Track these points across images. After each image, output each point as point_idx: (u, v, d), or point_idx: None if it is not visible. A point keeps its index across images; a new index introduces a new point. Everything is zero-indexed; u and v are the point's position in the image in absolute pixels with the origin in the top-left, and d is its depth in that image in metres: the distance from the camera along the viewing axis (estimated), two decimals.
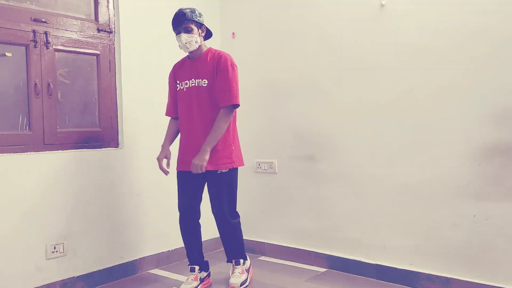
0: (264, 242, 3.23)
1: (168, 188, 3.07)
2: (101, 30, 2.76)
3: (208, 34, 2.59)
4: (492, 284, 2.25)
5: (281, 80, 3.12)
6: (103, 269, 2.68)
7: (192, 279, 2.56)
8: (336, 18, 2.81)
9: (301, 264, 2.99)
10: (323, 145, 2.90)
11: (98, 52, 2.74)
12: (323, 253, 2.92)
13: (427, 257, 2.47)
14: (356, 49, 2.73)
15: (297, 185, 3.05)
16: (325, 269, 2.88)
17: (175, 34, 2.48)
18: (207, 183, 2.56)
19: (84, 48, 2.67)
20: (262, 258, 3.18)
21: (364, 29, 2.69)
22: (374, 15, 2.64)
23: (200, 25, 2.47)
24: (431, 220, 2.45)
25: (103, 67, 2.77)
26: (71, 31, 2.61)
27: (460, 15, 2.33)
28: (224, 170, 2.48)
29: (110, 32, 2.80)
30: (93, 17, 2.74)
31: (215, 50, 2.53)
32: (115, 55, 2.82)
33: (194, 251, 2.62)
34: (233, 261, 2.65)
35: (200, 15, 2.49)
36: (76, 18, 2.64)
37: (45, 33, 2.48)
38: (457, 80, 2.35)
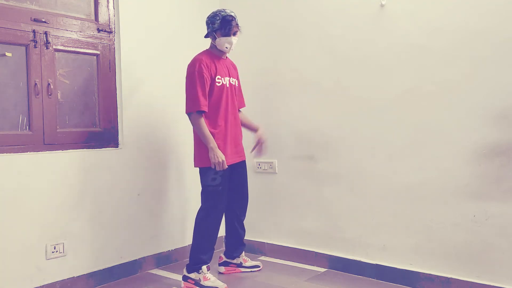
0: (264, 242, 3.23)
1: (168, 188, 3.07)
2: (101, 30, 2.76)
3: None
4: (492, 284, 2.25)
5: (281, 80, 3.12)
6: (103, 269, 2.68)
7: (213, 275, 2.62)
8: (336, 18, 2.81)
9: (301, 264, 2.99)
10: (323, 145, 2.90)
11: (98, 52, 2.74)
12: (323, 253, 2.91)
13: (427, 257, 2.48)
14: (356, 49, 2.73)
15: (297, 185, 3.05)
16: (325, 269, 2.88)
17: (222, 33, 2.57)
18: (235, 174, 2.72)
19: (84, 48, 2.67)
20: (262, 258, 3.18)
21: (364, 29, 2.69)
22: (374, 15, 2.64)
23: None
24: (431, 220, 2.45)
25: (103, 67, 2.77)
26: (71, 31, 2.60)
27: (460, 15, 2.33)
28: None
29: (110, 32, 2.80)
30: (93, 17, 2.74)
31: None
32: (115, 55, 2.82)
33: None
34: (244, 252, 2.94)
35: None
36: (76, 18, 2.64)
37: (45, 33, 2.48)
38: (457, 80, 2.35)
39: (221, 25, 2.55)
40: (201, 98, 2.48)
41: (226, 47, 2.60)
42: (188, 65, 2.59)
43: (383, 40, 2.61)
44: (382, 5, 2.61)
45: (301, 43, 3.00)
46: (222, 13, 2.57)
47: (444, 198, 2.41)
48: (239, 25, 2.61)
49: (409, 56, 2.51)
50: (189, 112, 2.52)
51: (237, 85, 2.75)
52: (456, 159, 2.36)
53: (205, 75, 2.51)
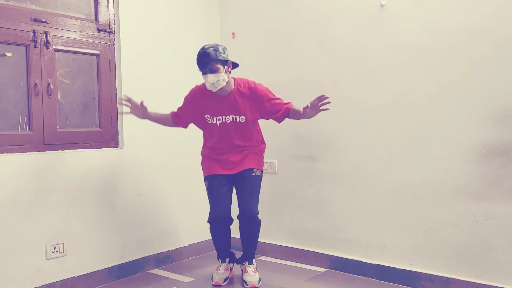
0: (264, 242, 3.23)
1: (168, 188, 3.07)
2: (101, 30, 2.76)
3: (234, 65, 2.56)
4: (492, 284, 2.25)
5: (281, 80, 3.12)
6: (103, 269, 2.68)
7: (224, 270, 2.70)
8: (336, 18, 2.81)
9: (301, 264, 2.99)
10: (323, 145, 2.90)
11: (98, 52, 2.74)
12: (323, 253, 2.92)
13: (427, 257, 2.48)
14: (356, 49, 2.73)
15: (297, 185, 3.05)
16: (325, 269, 2.88)
17: (201, 73, 2.44)
18: (239, 179, 2.61)
19: (84, 48, 2.67)
20: (262, 258, 3.18)
21: (364, 29, 2.69)
22: (374, 15, 2.64)
23: (225, 62, 2.42)
24: (431, 220, 2.45)
25: (103, 67, 2.77)
26: (71, 31, 2.60)
27: (460, 15, 2.33)
28: (258, 173, 2.64)
29: (110, 32, 2.80)
30: (93, 17, 2.74)
31: (241, 80, 2.56)
32: (115, 55, 2.82)
33: (226, 248, 2.75)
34: (247, 261, 2.70)
35: (224, 50, 2.43)
36: (76, 18, 2.64)
37: (45, 33, 2.48)
38: (457, 80, 2.35)
39: (196, 63, 2.42)
40: (178, 115, 2.66)
41: (208, 87, 2.44)
42: None
43: (383, 40, 2.61)
44: (382, 5, 2.61)
45: (301, 43, 3.00)
46: (200, 49, 2.41)
47: (444, 198, 2.41)
48: (219, 59, 2.36)
49: (409, 56, 2.51)
50: None
51: (243, 121, 2.52)
52: (456, 159, 2.36)
53: (188, 104, 2.60)
